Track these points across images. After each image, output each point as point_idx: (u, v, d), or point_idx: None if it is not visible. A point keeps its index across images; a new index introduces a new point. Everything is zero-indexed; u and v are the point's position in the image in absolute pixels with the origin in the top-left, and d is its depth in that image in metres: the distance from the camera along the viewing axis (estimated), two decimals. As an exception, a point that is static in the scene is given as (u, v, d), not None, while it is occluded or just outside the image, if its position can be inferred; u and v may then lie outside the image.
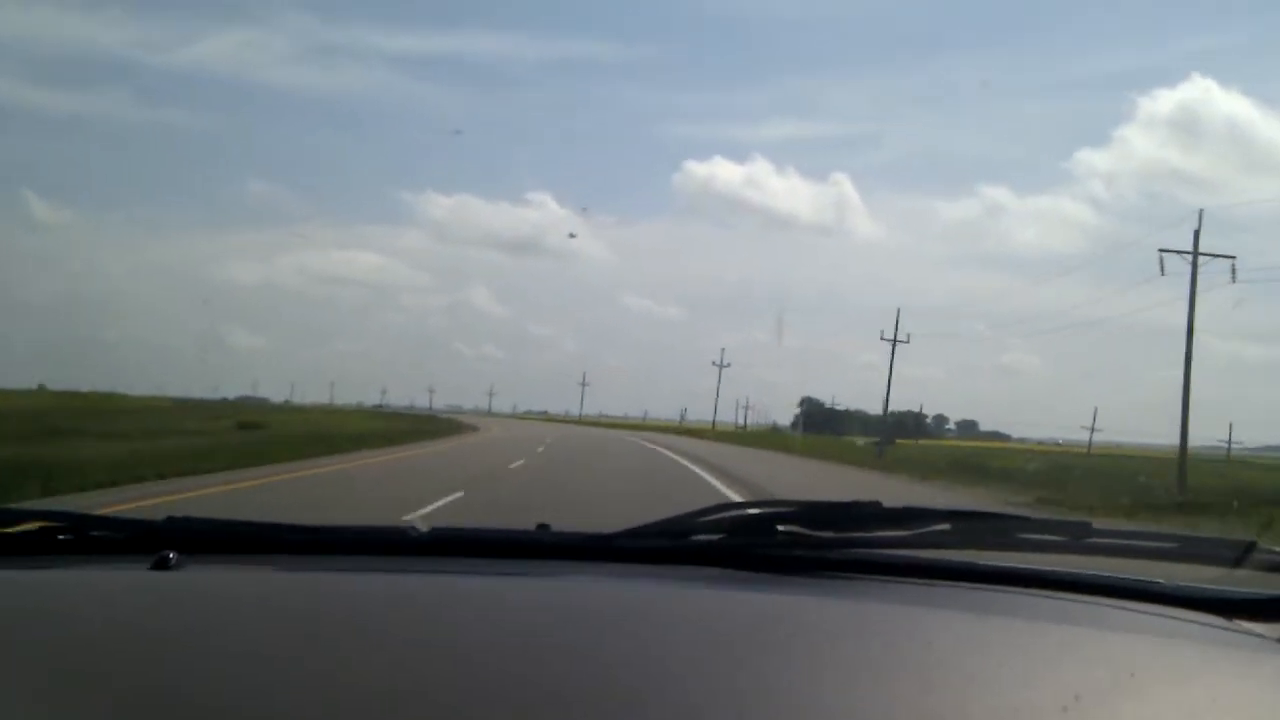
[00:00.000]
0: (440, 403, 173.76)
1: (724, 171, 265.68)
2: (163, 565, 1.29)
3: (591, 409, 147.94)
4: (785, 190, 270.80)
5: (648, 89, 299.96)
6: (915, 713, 0.84)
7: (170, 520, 1.50)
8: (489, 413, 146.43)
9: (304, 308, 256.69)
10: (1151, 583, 1.35)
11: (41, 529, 1.46)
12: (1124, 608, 1.28)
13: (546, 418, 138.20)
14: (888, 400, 55.41)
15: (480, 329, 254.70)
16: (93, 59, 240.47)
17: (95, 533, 1.48)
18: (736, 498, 15.14)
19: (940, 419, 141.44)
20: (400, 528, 1.54)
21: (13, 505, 2.81)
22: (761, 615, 1.15)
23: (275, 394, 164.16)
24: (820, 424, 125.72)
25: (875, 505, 1.44)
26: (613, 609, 1.19)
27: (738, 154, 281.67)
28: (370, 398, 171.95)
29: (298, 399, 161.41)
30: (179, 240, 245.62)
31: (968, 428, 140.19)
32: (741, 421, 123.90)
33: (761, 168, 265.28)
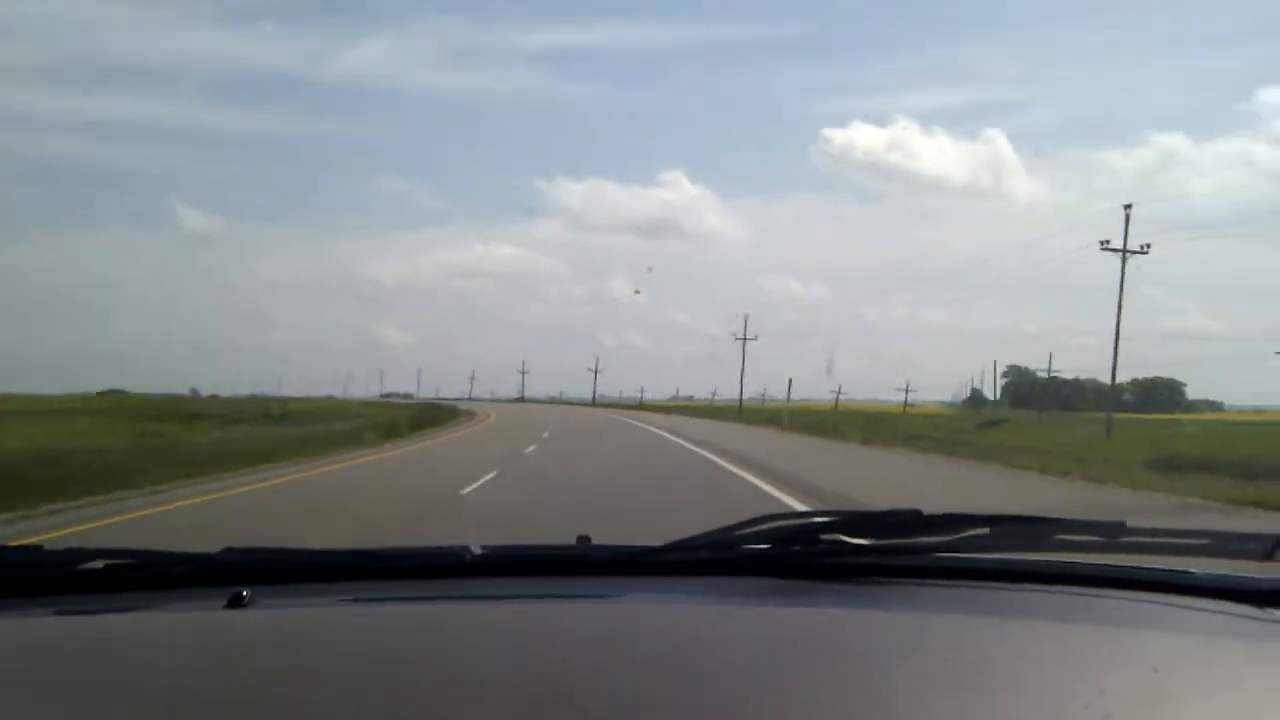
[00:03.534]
0: (551, 390, 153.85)
1: (865, 138, 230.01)
2: (237, 603, 1.28)
3: (731, 391, 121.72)
4: (933, 152, 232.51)
5: (779, 67, 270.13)
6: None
7: (231, 551, 1.47)
8: (592, 402, 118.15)
9: (446, 303, 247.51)
10: (1184, 574, 1.36)
11: (108, 566, 1.44)
12: (1157, 601, 1.31)
13: (686, 405, 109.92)
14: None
15: (615, 315, 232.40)
16: (244, 74, 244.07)
17: (162, 569, 1.47)
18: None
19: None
20: (455, 549, 1.53)
21: (77, 547, 1.46)
22: (804, 625, 1.19)
23: (420, 389, 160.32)
24: (1031, 398, 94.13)
25: (915, 512, 1.44)
26: (660, 625, 1.22)
27: (879, 121, 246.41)
28: (506, 389, 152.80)
29: (436, 392, 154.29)
30: (327, 243, 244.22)
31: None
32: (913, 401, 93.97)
33: (905, 132, 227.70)
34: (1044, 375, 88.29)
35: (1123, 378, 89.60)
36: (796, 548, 1.44)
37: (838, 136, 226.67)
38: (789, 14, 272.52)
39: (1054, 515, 1.46)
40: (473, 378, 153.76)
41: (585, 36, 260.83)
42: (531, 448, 23.02)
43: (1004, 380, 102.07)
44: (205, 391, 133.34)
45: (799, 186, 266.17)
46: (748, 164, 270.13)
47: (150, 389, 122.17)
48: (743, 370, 78.25)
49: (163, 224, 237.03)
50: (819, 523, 1.47)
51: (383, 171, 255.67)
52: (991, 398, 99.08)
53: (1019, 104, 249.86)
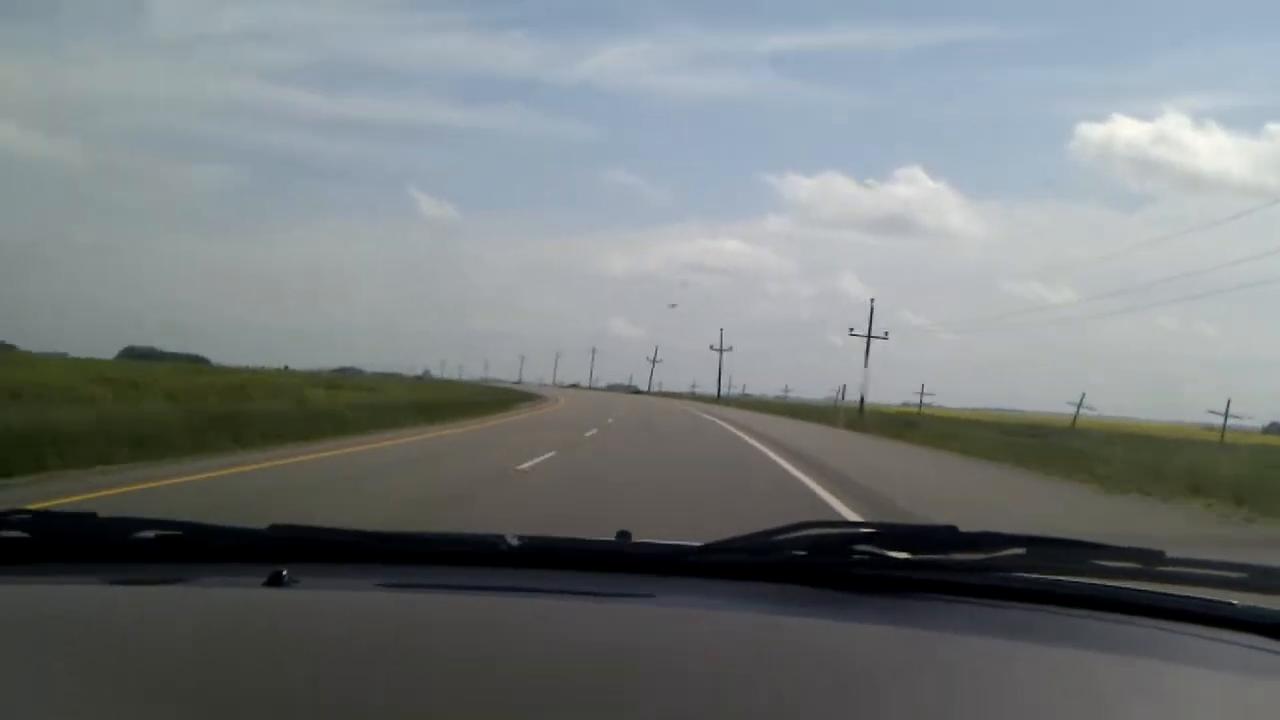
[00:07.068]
0: (776, 387, 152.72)
1: (1127, 132, 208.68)
2: (277, 581, 1.33)
3: (955, 400, 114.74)
4: (1206, 148, 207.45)
5: (1030, 69, 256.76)
6: None
7: (277, 529, 1.54)
8: (774, 402, 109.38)
9: (671, 297, 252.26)
10: (1222, 605, 1.35)
11: (159, 537, 1.51)
12: (1191, 633, 1.29)
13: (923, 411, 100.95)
14: None
15: (843, 314, 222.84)
16: (490, 77, 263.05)
17: (210, 542, 1.54)
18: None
19: None
20: (492, 539, 1.55)
21: (131, 515, 1.58)
22: (832, 638, 1.21)
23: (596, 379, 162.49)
24: None
25: (951, 529, 1.45)
26: (690, 630, 1.24)
27: (1142, 118, 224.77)
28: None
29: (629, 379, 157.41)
30: (562, 237, 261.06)
31: None
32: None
33: (1173, 126, 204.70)
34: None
35: None
36: (833, 557, 1.45)
37: (1095, 132, 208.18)
38: (1037, 15, 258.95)
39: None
40: (653, 363, 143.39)
41: (825, 38, 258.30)
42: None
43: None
44: (435, 374, 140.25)
45: (1050, 184, 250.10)
46: (993, 161, 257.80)
47: (380, 368, 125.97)
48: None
49: (401, 214, 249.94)
50: (857, 533, 1.48)
51: (617, 168, 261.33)
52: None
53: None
